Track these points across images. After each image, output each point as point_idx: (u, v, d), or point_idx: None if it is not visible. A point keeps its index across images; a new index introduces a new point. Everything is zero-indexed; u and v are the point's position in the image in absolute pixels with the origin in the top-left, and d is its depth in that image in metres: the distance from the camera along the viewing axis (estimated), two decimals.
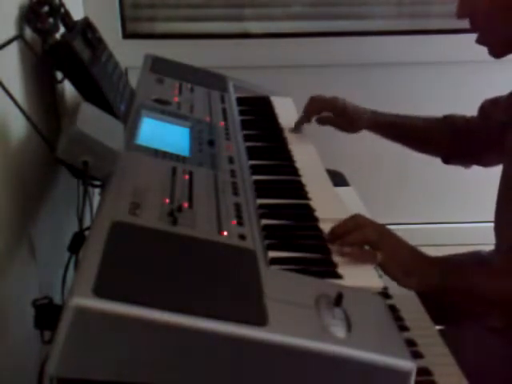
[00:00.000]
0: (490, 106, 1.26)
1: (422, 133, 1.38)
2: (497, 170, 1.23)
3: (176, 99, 1.25)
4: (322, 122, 1.39)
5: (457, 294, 0.93)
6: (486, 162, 1.31)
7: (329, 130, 1.42)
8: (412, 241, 0.93)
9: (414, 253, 0.92)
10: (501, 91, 1.22)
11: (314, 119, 1.38)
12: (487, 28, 1.01)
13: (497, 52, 1.03)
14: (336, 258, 0.87)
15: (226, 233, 0.81)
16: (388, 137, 1.40)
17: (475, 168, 1.37)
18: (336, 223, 0.93)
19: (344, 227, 0.91)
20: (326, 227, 0.95)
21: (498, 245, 1.15)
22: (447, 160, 1.37)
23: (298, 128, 1.36)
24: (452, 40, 2.06)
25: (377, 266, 0.88)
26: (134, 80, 1.33)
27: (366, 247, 0.91)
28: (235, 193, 0.95)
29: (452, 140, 1.33)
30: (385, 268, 0.89)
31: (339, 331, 0.68)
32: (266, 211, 0.96)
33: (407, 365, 0.67)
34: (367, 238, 0.90)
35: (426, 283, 0.90)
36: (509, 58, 1.07)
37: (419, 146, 1.41)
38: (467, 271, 0.96)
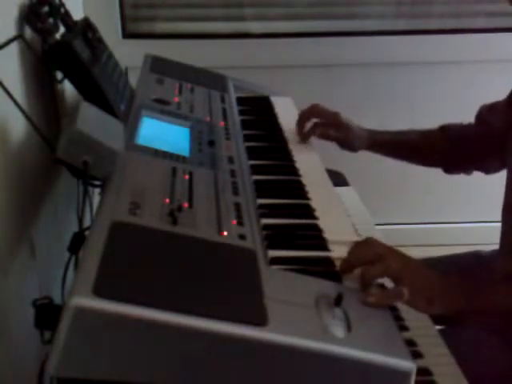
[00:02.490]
0: (488, 112, 1.26)
1: (419, 147, 1.38)
2: None
3: (176, 99, 1.25)
4: (324, 136, 1.37)
5: (482, 313, 0.90)
6: (487, 169, 1.30)
7: None
8: (412, 241, 0.93)
9: (434, 279, 0.86)
10: (501, 91, 1.22)
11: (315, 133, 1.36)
12: None
13: None
14: (337, 261, 0.87)
15: (225, 233, 0.81)
16: (387, 155, 1.40)
17: None
18: (347, 245, 0.86)
19: (363, 257, 0.83)
20: (325, 227, 0.95)
21: (502, 246, 1.15)
22: (448, 170, 1.37)
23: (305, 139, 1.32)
24: (452, 40, 2.06)
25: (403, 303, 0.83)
26: (134, 80, 1.33)
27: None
28: (235, 193, 0.95)
29: (450, 149, 1.33)
30: (410, 303, 0.83)
31: (339, 331, 0.68)
32: (266, 211, 0.96)
33: (407, 365, 0.67)
34: (389, 271, 0.82)
35: (450, 308, 0.86)
36: (509, 59, 1.07)
37: (419, 160, 1.41)
38: (489, 290, 0.92)
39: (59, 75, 1.08)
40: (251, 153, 1.17)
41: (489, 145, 1.23)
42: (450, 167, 1.36)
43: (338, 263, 0.86)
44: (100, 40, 1.19)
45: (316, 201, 1.04)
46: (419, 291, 0.82)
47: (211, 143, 1.09)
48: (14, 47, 0.97)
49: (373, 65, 2.08)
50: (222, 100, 1.37)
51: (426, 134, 1.37)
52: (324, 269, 0.84)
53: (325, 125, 1.32)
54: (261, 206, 0.98)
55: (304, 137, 1.31)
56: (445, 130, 1.34)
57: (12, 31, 0.97)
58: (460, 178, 1.40)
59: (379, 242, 0.85)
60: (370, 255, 0.82)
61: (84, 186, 0.83)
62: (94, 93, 1.03)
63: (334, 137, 1.35)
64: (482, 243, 1.29)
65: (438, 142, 1.34)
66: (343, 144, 1.37)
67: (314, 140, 1.35)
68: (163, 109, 1.18)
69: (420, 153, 1.39)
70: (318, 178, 1.15)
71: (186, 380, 0.63)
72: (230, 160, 1.07)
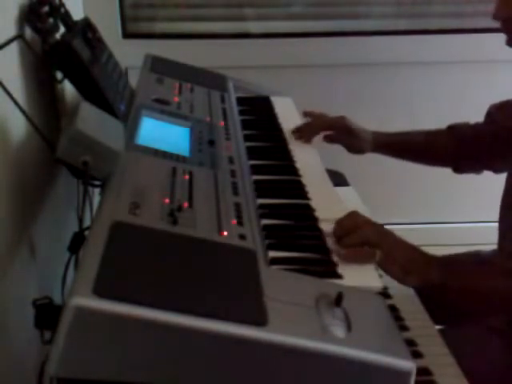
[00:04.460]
0: (497, 111, 1.25)
1: (427, 147, 1.38)
2: None
3: (176, 99, 1.25)
4: (331, 140, 1.38)
5: (456, 292, 0.92)
6: (497, 168, 1.29)
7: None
8: (412, 241, 0.93)
9: (412, 251, 0.92)
10: (501, 92, 1.22)
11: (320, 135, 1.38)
12: None
13: None
14: (336, 258, 0.87)
15: (225, 233, 0.81)
16: (394, 156, 1.40)
17: None
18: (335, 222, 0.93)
19: (342, 229, 0.91)
20: (326, 227, 0.95)
21: (501, 244, 1.15)
22: (457, 169, 1.36)
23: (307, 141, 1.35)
24: (452, 40, 2.06)
25: (376, 265, 0.88)
26: (134, 80, 1.33)
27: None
28: (235, 193, 0.95)
29: (460, 149, 1.32)
30: (384, 267, 0.89)
31: (339, 331, 0.68)
32: (266, 211, 0.96)
33: (407, 365, 0.67)
34: (366, 239, 0.89)
35: (425, 281, 0.90)
36: (509, 59, 1.07)
37: (427, 160, 1.41)
38: (467, 270, 0.96)
39: (59, 75, 1.08)
40: (251, 153, 1.17)
41: (498, 144, 1.23)
42: (460, 167, 1.35)
43: (337, 263, 0.86)
44: (100, 40, 1.19)
45: (316, 201, 1.04)
46: (396, 260, 0.89)
47: (211, 143, 1.09)
48: (14, 47, 0.97)
49: (373, 65, 2.08)
50: (222, 100, 1.37)
51: (433, 134, 1.36)
52: (324, 269, 0.84)
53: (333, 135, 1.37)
54: (261, 206, 0.98)
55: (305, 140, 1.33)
56: (453, 129, 1.33)
57: (12, 31, 0.96)
58: (460, 178, 1.40)
59: (361, 215, 0.93)
60: (349, 226, 0.90)
61: (84, 186, 0.83)
62: (93, 93, 1.03)
63: (342, 141, 1.36)
64: (482, 243, 1.28)
65: (446, 141, 1.33)
66: (350, 147, 1.38)
67: (314, 140, 1.35)
68: (163, 109, 1.18)
69: (428, 153, 1.39)
70: (318, 178, 1.15)
71: (186, 380, 0.63)
72: (230, 160, 1.07)
